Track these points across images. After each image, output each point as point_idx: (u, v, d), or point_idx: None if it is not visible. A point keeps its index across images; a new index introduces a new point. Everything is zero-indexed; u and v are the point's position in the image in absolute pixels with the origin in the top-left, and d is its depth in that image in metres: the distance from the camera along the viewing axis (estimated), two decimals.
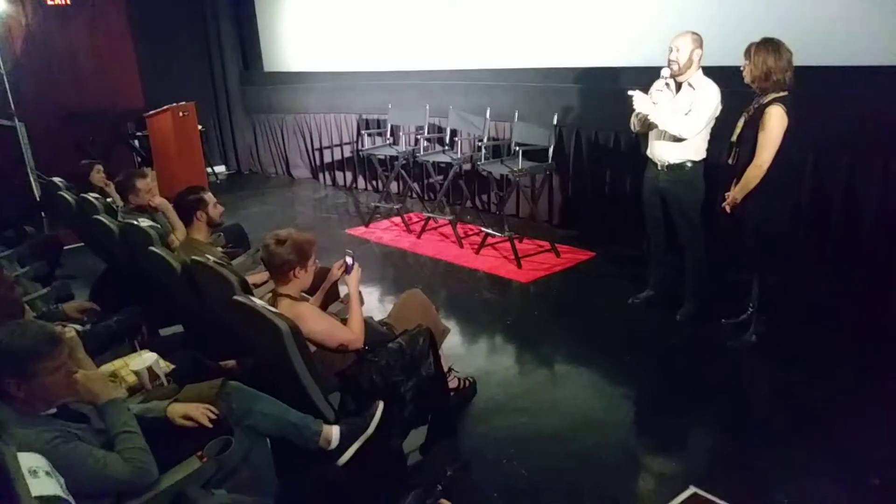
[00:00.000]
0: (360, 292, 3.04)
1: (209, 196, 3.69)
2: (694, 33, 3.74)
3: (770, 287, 3.74)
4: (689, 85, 3.78)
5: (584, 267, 5.18)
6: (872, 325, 3.86)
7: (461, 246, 5.76)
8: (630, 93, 3.81)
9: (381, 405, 2.66)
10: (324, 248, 6.13)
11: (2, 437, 1.71)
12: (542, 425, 3.25)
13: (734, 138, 3.54)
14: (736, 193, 3.52)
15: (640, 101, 3.79)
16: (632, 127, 4.01)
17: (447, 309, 4.67)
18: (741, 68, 3.44)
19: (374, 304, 4.68)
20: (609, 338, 4.09)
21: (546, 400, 3.46)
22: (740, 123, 3.51)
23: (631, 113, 3.94)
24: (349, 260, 2.99)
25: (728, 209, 3.58)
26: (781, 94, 3.36)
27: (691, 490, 2.71)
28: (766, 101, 3.38)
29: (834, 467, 2.81)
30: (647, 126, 3.88)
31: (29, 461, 1.76)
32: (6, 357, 2.01)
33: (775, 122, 3.33)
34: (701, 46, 3.72)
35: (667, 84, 3.86)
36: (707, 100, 3.72)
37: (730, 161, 3.58)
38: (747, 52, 3.40)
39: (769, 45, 3.34)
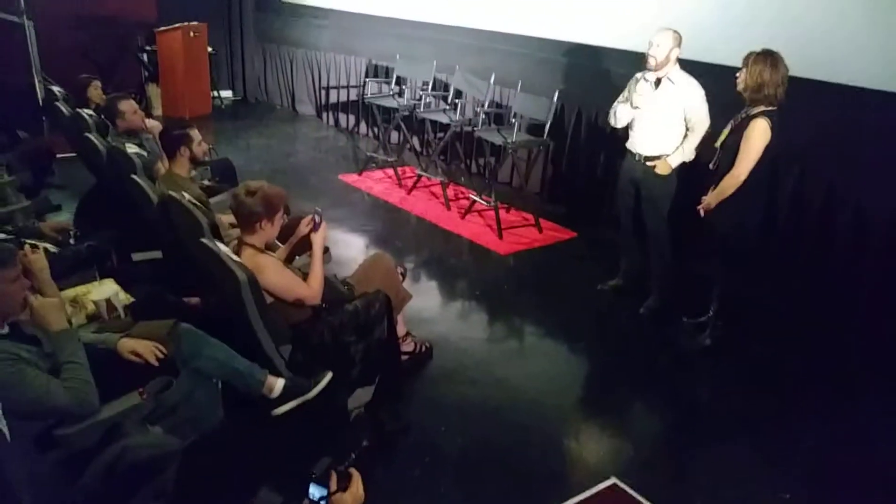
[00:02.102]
0: (325, 250, 3.11)
1: (195, 133, 3.73)
2: (675, 32, 3.78)
3: (733, 293, 3.81)
4: (669, 79, 3.82)
5: (563, 246, 5.23)
6: (826, 340, 3.94)
7: (448, 208, 5.80)
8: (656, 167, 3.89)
9: (328, 375, 2.75)
10: (315, 189, 6.24)
11: None
12: (487, 398, 3.36)
13: (718, 144, 3.56)
14: (711, 200, 3.55)
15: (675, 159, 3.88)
16: (613, 120, 4.04)
17: (421, 269, 4.76)
18: (736, 76, 3.43)
19: (348, 254, 4.74)
20: (571, 321, 4.17)
21: (496, 374, 3.57)
22: (726, 130, 3.52)
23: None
24: (317, 218, 3.04)
25: (702, 213, 3.62)
26: (770, 108, 3.36)
27: (612, 481, 2.83)
28: (753, 112, 3.39)
29: (756, 476, 2.93)
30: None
31: None
32: None
33: (758, 135, 3.35)
34: (679, 45, 3.78)
35: (645, 79, 3.88)
36: (701, 104, 3.79)
37: (711, 166, 3.61)
38: (745, 61, 3.39)
39: (767, 58, 3.33)
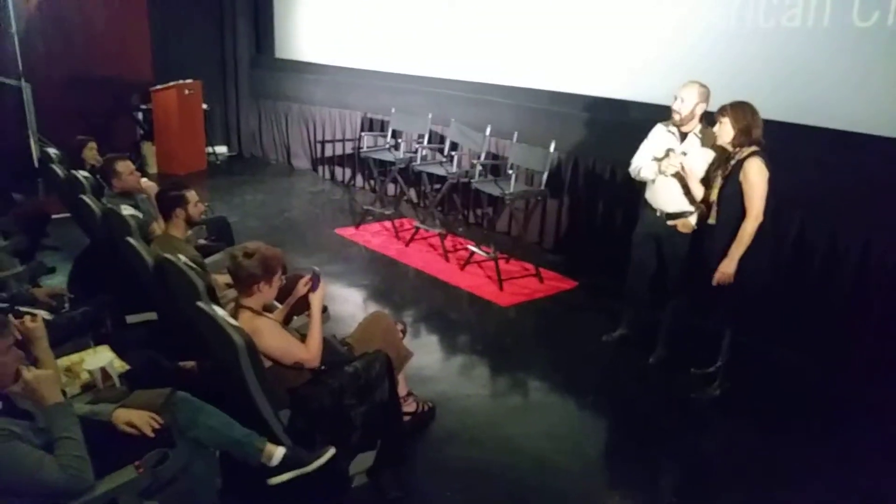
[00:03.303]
0: (323, 311, 3.05)
1: (191, 194, 3.70)
2: (702, 86, 3.74)
3: (741, 343, 3.75)
4: (695, 135, 3.80)
5: (565, 297, 5.17)
6: (836, 389, 3.87)
7: (447, 260, 5.77)
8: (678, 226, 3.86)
9: (331, 451, 2.67)
10: (312, 244, 6.21)
11: None
12: (492, 461, 3.25)
13: (714, 197, 3.54)
14: (730, 262, 3.44)
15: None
16: (636, 174, 3.99)
17: (421, 324, 4.69)
18: (714, 130, 3.47)
19: (346, 309, 4.69)
20: (577, 375, 4.09)
21: (501, 435, 3.47)
22: (718, 182, 3.52)
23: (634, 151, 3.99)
24: (315, 278, 2.99)
25: (723, 280, 3.49)
26: (756, 148, 3.39)
27: None
28: (743, 155, 3.41)
29: None
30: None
31: None
32: None
33: (756, 172, 3.36)
34: (706, 101, 3.74)
35: (669, 131, 3.87)
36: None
37: (710, 221, 3.58)
38: (723, 111, 3.43)
39: (745, 104, 3.41)
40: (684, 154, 3.73)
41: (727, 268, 3.45)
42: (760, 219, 3.39)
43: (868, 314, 3.88)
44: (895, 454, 3.34)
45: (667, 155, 3.79)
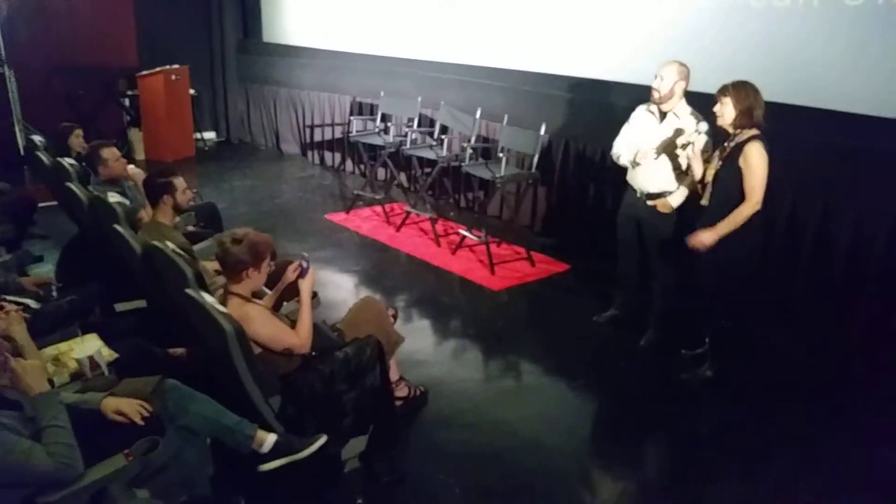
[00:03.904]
0: (313, 296, 3.03)
1: (179, 181, 3.65)
2: (681, 65, 3.71)
3: (730, 325, 3.75)
4: (675, 115, 3.77)
5: (557, 279, 5.17)
6: (827, 370, 3.89)
7: (438, 245, 5.74)
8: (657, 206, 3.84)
9: (322, 439, 2.66)
10: (302, 230, 6.17)
11: None
12: (486, 444, 3.26)
13: (709, 178, 3.51)
14: (711, 234, 3.39)
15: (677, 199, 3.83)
16: (616, 157, 3.98)
17: (413, 309, 4.68)
18: (714, 110, 3.42)
19: (337, 295, 4.66)
20: (569, 357, 4.09)
21: (494, 418, 3.47)
22: (713, 164, 3.49)
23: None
24: (304, 264, 2.97)
25: (697, 246, 3.47)
26: (757, 131, 3.35)
27: None
28: (743, 138, 3.36)
29: None
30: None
31: None
32: None
33: (758, 158, 3.31)
34: (685, 79, 3.70)
35: (650, 111, 3.85)
36: (705, 140, 3.67)
37: (703, 202, 3.56)
38: (725, 91, 3.38)
39: (746, 84, 3.34)
40: (698, 133, 3.60)
41: (707, 238, 3.39)
42: (759, 206, 3.34)
43: (859, 294, 3.89)
44: (888, 433, 3.35)
45: (677, 135, 3.73)
